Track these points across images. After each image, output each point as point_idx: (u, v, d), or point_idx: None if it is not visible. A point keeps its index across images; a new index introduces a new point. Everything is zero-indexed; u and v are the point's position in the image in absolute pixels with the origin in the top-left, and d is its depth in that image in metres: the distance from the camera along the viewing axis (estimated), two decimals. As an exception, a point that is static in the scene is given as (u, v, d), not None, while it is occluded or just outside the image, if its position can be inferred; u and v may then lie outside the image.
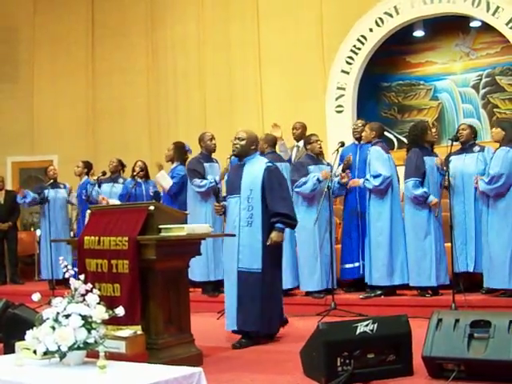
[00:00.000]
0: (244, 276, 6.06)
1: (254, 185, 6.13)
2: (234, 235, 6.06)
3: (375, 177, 7.75)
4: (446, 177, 7.33)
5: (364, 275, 7.97)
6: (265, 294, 6.10)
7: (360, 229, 8.17)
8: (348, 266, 8.30)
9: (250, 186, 6.12)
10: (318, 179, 7.91)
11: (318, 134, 8.47)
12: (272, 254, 6.19)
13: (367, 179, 7.81)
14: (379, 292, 7.74)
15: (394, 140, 12.75)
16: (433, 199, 7.45)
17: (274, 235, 6.06)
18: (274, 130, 8.79)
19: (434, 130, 7.76)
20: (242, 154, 6.30)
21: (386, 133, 10.12)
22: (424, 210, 7.51)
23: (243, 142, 6.27)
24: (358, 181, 8.03)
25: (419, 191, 7.45)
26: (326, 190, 7.65)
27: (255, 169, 6.20)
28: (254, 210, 6.09)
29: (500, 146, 7.28)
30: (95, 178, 9.78)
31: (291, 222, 6.22)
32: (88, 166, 10.71)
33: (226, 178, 6.78)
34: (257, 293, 6.04)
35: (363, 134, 8.17)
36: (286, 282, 8.31)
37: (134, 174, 9.50)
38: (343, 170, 8.33)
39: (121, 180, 10.13)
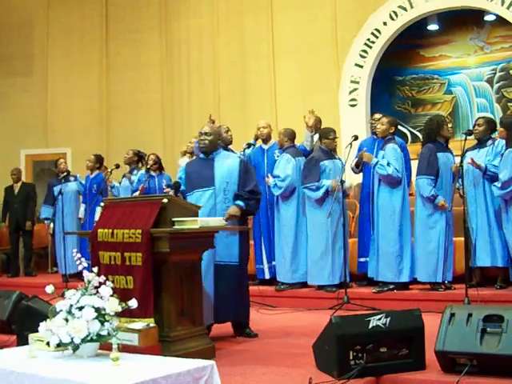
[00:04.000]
0: (221, 269, 5.96)
1: (230, 177, 6.08)
2: (249, 229, 6.00)
3: (390, 165, 7.62)
4: (460, 184, 7.23)
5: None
6: (242, 285, 6.17)
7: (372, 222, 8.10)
8: (362, 259, 8.31)
9: (226, 178, 6.07)
10: (327, 190, 7.94)
11: (335, 130, 8.37)
12: (245, 247, 6.21)
13: (382, 165, 7.62)
14: (392, 286, 7.70)
15: (408, 134, 12.73)
16: (440, 200, 7.33)
17: (231, 209, 5.99)
18: (309, 116, 8.49)
19: (450, 125, 7.58)
20: (210, 149, 6.19)
21: (400, 127, 10.09)
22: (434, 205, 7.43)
23: (211, 138, 6.18)
24: (371, 157, 7.86)
25: (428, 191, 7.34)
26: (339, 184, 7.66)
27: (229, 162, 6.18)
28: (229, 202, 6.02)
29: (506, 147, 7.18)
30: (109, 171, 9.78)
31: (253, 196, 6.11)
32: (100, 161, 10.72)
33: (180, 174, 6.39)
34: (234, 285, 6.04)
35: (380, 127, 7.91)
36: (293, 276, 8.31)
37: (148, 167, 9.53)
38: (356, 165, 8.29)
39: (135, 172, 10.11)
